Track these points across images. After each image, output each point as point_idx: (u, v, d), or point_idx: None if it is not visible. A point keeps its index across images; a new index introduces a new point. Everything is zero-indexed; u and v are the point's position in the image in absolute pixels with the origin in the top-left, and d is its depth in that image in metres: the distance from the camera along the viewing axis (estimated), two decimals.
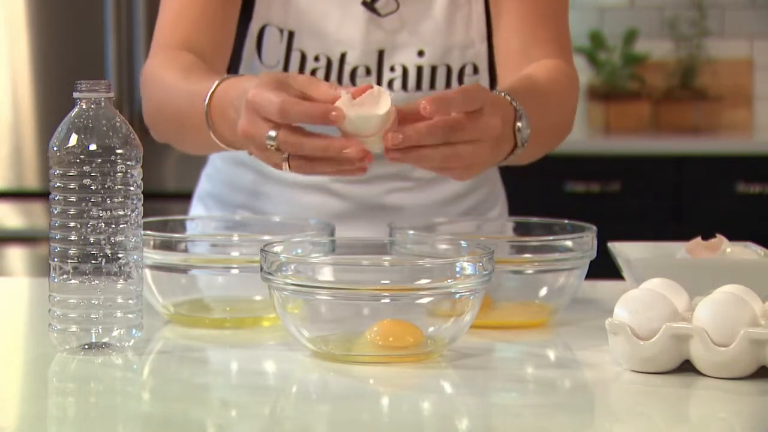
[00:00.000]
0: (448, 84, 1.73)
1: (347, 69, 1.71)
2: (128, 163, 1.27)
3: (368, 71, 1.71)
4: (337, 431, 1.09)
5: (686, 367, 1.22)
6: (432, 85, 1.72)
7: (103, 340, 1.27)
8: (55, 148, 1.26)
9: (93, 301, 1.26)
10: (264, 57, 1.71)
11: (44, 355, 1.28)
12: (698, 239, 1.49)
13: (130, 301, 1.28)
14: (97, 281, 1.26)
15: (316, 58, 1.70)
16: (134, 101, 3.33)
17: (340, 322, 1.27)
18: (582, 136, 4.02)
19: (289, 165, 1.36)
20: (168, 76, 1.61)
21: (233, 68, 1.73)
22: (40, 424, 1.09)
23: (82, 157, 1.25)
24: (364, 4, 1.71)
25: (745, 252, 1.45)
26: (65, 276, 1.26)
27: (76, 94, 1.27)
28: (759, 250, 1.48)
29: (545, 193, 3.64)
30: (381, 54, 1.71)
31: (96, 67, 3.36)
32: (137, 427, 1.09)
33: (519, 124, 1.49)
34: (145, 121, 1.68)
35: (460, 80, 1.73)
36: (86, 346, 1.27)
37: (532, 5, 1.72)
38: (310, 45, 1.70)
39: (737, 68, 4.18)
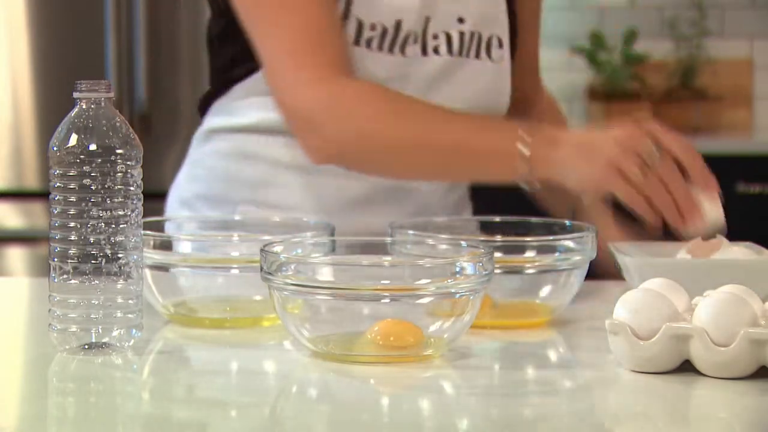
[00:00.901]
0: (477, 53, 1.76)
1: (401, 37, 1.71)
2: (128, 163, 1.27)
3: (416, 38, 1.72)
4: (337, 431, 1.09)
5: (686, 367, 1.22)
6: (468, 53, 1.75)
7: (103, 340, 1.27)
8: (55, 148, 1.26)
9: (93, 301, 1.26)
10: None
11: (44, 355, 1.28)
12: (698, 239, 1.49)
13: (130, 301, 1.28)
14: (97, 281, 1.26)
15: (372, 27, 1.70)
16: (134, 101, 3.33)
17: (340, 322, 1.27)
18: None
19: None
20: (416, 113, 1.65)
21: None
22: (40, 424, 1.09)
23: (82, 157, 1.25)
24: None
25: (745, 252, 1.45)
26: (65, 276, 1.26)
27: (76, 94, 1.27)
28: (759, 250, 1.48)
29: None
30: (427, 20, 1.72)
31: (96, 67, 3.36)
32: (137, 427, 1.09)
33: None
34: (342, 149, 1.65)
35: (488, 51, 1.76)
36: (86, 346, 1.27)
37: (537, 26, 1.89)
38: (367, 12, 1.70)
39: (737, 68, 4.18)
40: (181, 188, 1.90)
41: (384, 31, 1.70)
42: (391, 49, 1.71)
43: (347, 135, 1.65)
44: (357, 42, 1.69)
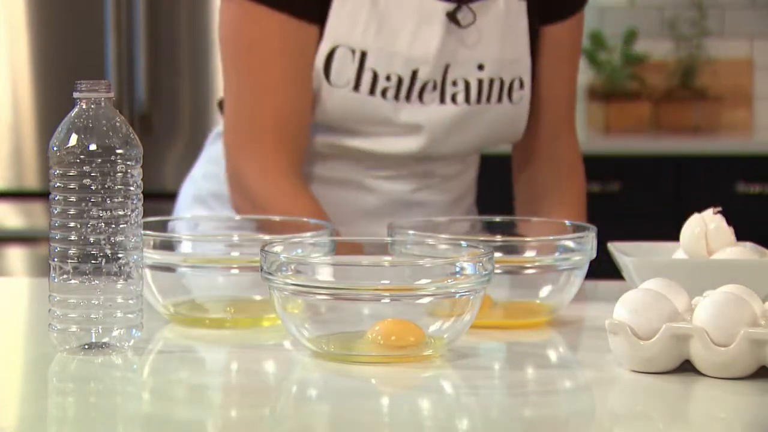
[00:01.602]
0: (500, 98, 1.78)
1: (417, 85, 1.73)
2: (128, 163, 1.27)
3: (435, 86, 1.74)
4: (337, 431, 1.09)
5: (686, 367, 1.22)
6: (488, 98, 1.78)
7: (103, 340, 1.27)
8: (55, 148, 1.26)
9: (93, 301, 1.26)
10: (333, 77, 1.72)
11: (44, 355, 1.28)
12: None
13: (130, 301, 1.28)
14: (97, 281, 1.26)
15: (388, 78, 1.72)
16: (134, 101, 3.33)
17: (340, 322, 1.27)
18: (582, 137, 4.01)
19: None
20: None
21: None
22: (40, 424, 1.09)
23: (82, 157, 1.25)
24: (448, 15, 1.72)
25: (745, 252, 1.45)
26: (65, 276, 1.26)
27: (76, 94, 1.27)
28: (759, 250, 1.48)
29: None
30: (447, 68, 1.74)
31: (96, 67, 3.36)
32: (137, 427, 1.09)
33: None
34: (237, 209, 1.74)
35: (510, 94, 1.79)
36: (86, 346, 1.27)
37: (574, 72, 1.89)
38: (382, 64, 1.71)
39: (737, 68, 4.18)
40: (197, 185, 1.91)
41: (399, 81, 1.73)
42: (408, 98, 1.73)
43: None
44: (372, 92, 1.72)
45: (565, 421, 1.11)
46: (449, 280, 1.25)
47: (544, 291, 1.44)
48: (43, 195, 3.43)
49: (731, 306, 1.20)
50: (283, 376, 1.27)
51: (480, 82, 1.76)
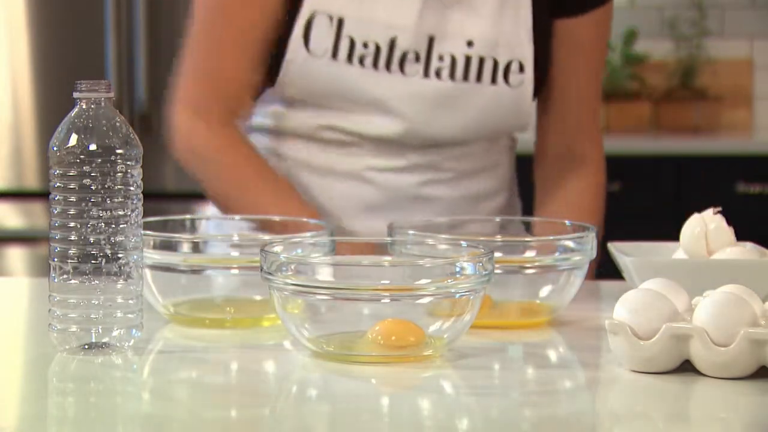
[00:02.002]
0: (494, 78, 1.75)
1: (397, 54, 1.71)
2: (128, 163, 1.27)
3: (417, 57, 1.72)
4: (336, 431, 1.09)
5: (686, 367, 1.22)
6: (479, 77, 1.74)
7: (103, 340, 1.27)
8: (55, 148, 1.26)
9: (93, 301, 1.26)
10: (312, 45, 1.72)
11: (44, 355, 1.28)
12: None
13: (130, 301, 1.28)
14: (97, 281, 1.26)
15: (365, 45, 1.70)
16: (134, 101, 3.33)
17: (340, 322, 1.27)
18: None
19: None
20: (233, 178, 1.74)
21: (278, 57, 1.73)
22: (40, 424, 1.09)
23: (82, 157, 1.25)
24: None
25: (745, 252, 1.45)
26: (65, 276, 1.26)
27: (76, 94, 1.27)
28: (759, 250, 1.48)
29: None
30: (431, 41, 1.72)
31: (96, 67, 3.36)
32: (137, 427, 1.09)
33: None
34: (178, 158, 1.80)
35: (506, 76, 1.75)
36: (86, 346, 1.27)
37: (598, 70, 1.89)
38: (360, 31, 1.70)
39: (737, 68, 4.18)
40: None
41: (377, 49, 1.71)
42: (388, 67, 1.72)
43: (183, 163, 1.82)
44: (350, 60, 1.71)
45: (565, 421, 1.11)
46: (449, 280, 1.25)
47: (544, 291, 1.44)
48: (43, 195, 3.43)
49: (731, 306, 1.20)
50: (283, 376, 1.27)
51: (468, 59, 1.73)
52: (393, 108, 1.74)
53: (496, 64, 1.75)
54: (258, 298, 1.43)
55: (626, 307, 1.23)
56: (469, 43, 1.74)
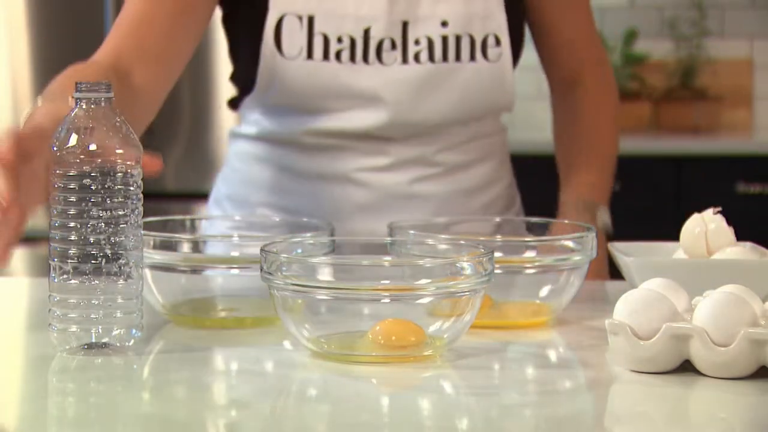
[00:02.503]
0: (472, 56, 1.74)
1: (372, 44, 1.71)
2: (128, 163, 1.27)
3: (393, 45, 1.72)
4: (336, 431, 1.09)
5: (686, 367, 1.22)
6: (458, 56, 1.73)
7: (103, 340, 1.27)
8: (55, 148, 1.26)
9: (93, 301, 1.26)
10: (285, 48, 1.71)
11: (44, 355, 1.28)
12: None
13: (130, 301, 1.28)
14: (96, 281, 1.26)
15: (339, 40, 1.69)
16: None
17: (340, 322, 1.27)
18: None
19: None
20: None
21: (253, 65, 1.73)
22: (40, 424, 1.09)
23: (82, 157, 1.25)
24: None
25: (745, 252, 1.45)
26: (65, 276, 1.26)
27: (76, 95, 1.27)
28: (759, 250, 1.48)
29: (545, 192, 3.64)
30: (405, 26, 1.71)
31: None
32: (137, 427, 1.09)
33: (603, 219, 1.76)
34: None
35: (484, 52, 1.74)
36: (86, 346, 1.27)
37: (586, 22, 1.92)
38: (331, 26, 1.69)
39: (737, 68, 4.18)
40: (217, 188, 1.93)
41: (352, 43, 1.70)
42: (365, 59, 1.71)
43: None
44: (326, 57, 1.70)
45: (565, 421, 1.11)
46: (449, 281, 1.25)
47: (544, 291, 1.44)
48: None
49: (731, 306, 1.20)
50: (283, 376, 1.27)
51: (444, 39, 1.72)
52: (376, 99, 1.72)
53: (473, 40, 1.73)
54: (258, 298, 1.43)
55: (626, 307, 1.23)
56: (444, 23, 1.73)
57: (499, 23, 1.75)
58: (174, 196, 3.29)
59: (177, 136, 3.32)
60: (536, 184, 2.13)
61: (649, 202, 3.66)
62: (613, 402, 1.19)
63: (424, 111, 1.74)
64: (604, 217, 1.80)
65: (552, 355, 1.38)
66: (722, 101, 4.11)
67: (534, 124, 3.90)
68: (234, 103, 1.85)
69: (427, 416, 1.13)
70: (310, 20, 1.69)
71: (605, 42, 4.08)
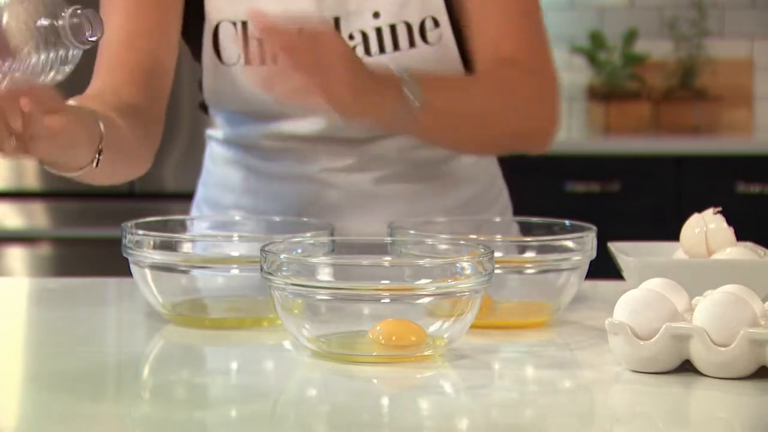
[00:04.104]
0: (411, 42, 1.68)
1: None
2: None
3: None
4: (336, 431, 1.09)
5: (686, 367, 1.22)
6: (396, 46, 1.68)
7: None
8: None
9: None
10: (224, 56, 1.69)
11: (44, 355, 1.28)
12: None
13: None
14: None
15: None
16: None
17: (341, 322, 1.27)
18: (582, 136, 4.03)
19: None
20: None
21: (199, 81, 1.73)
22: (40, 424, 1.09)
23: None
24: None
25: (745, 252, 1.45)
26: None
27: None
28: (759, 250, 1.48)
29: (545, 193, 3.64)
30: (337, 22, 1.67)
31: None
32: (137, 427, 1.09)
33: (404, 78, 1.54)
34: None
35: (423, 36, 1.69)
36: None
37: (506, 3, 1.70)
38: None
39: (737, 68, 4.18)
40: (197, 191, 1.92)
41: None
42: None
43: None
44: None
45: (565, 421, 1.11)
46: (449, 280, 1.25)
47: (544, 291, 1.44)
48: (43, 195, 3.43)
49: (731, 306, 1.20)
50: (283, 376, 1.27)
51: (378, 30, 1.68)
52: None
53: (409, 26, 1.68)
54: (258, 298, 1.43)
55: (626, 307, 1.23)
56: (375, 14, 1.67)
57: (436, 4, 1.68)
58: (174, 196, 3.28)
59: (177, 136, 3.32)
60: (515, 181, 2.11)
61: (649, 202, 3.66)
62: (613, 402, 1.19)
63: None
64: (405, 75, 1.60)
65: (552, 355, 1.38)
66: (722, 101, 4.11)
67: None
68: (204, 107, 1.84)
69: (427, 416, 1.13)
70: (244, 25, 1.67)
71: (605, 42, 4.08)
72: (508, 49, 1.70)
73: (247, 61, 1.67)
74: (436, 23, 1.69)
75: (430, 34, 1.69)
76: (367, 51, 1.68)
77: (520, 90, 1.71)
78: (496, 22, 1.71)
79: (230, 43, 1.68)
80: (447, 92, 1.63)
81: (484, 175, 1.84)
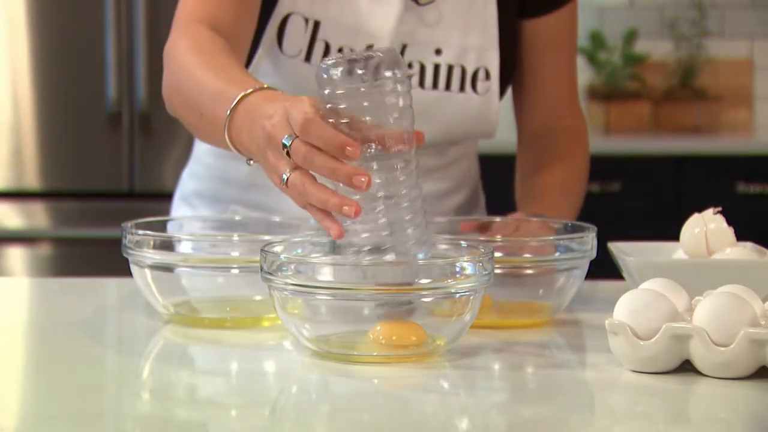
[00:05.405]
0: (462, 87, 1.74)
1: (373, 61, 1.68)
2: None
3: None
4: (336, 431, 1.09)
5: (686, 367, 1.22)
6: (448, 86, 1.73)
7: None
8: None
9: None
10: (285, 46, 1.70)
11: (44, 355, 1.28)
12: None
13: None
14: None
15: (340, 50, 1.69)
16: (134, 101, 3.33)
17: (340, 322, 1.27)
18: None
19: (287, 181, 1.34)
20: (193, 62, 1.54)
21: (250, 55, 1.72)
22: (40, 424, 1.09)
23: None
24: None
25: (745, 252, 1.45)
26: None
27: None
28: (759, 250, 1.48)
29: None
30: (404, 48, 1.71)
31: (96, 67, 3.36)
32: (137, 427, 1.09)
33: None
34: (163, 94, 1.60)
35: (473, 84, 1.74)
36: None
37: (571, 57, 1.84)
38: (335, 35, 1.69)
39: (737, 68, 4.18)
40: (183, 185, 1.91)
41: None
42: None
43: (165, 83, 1.61)
44: None
45: (565, 421, 1.11)
46: (449, 280, 1.25)
47: (544, 291, 1.44)
48: (43, 195, 3.43)
49: (731, 306, 1.20)
50: (283, 376, 1.27)
51: (436, 67, 1.72)
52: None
53: (464, 71, 1.73)
54: (258, 298, 1.44)
55: (626, 307, 1.23)
56: (438, 51, 1.72)
57: (491, 57, 1.74)
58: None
59: (177, 136, 3.32)
60: (499, 184, 2.11)
61: (649, 202, 3.66)
62: (613, 402, 1.19)
63: None
64: None
65: (552, 355, 1.38)
66: (722, 101, 4.11)
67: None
68: None
69: (427, 416, 1.13)
70: (316, 24, 1.69)
71: (605, 42, 4.08)
72: (566, 113, 1.85)
73: (308, 60, 1.68)
74: (488, 76, 1.75)
75: (481, 84, 1.75)
76: (421, 83, 1.72)
77: (586, 166, 1.88)
78: (557, 83, 1.84)
79: (296, 37, 1.69)
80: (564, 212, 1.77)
81: (469, 185, 1.89)
